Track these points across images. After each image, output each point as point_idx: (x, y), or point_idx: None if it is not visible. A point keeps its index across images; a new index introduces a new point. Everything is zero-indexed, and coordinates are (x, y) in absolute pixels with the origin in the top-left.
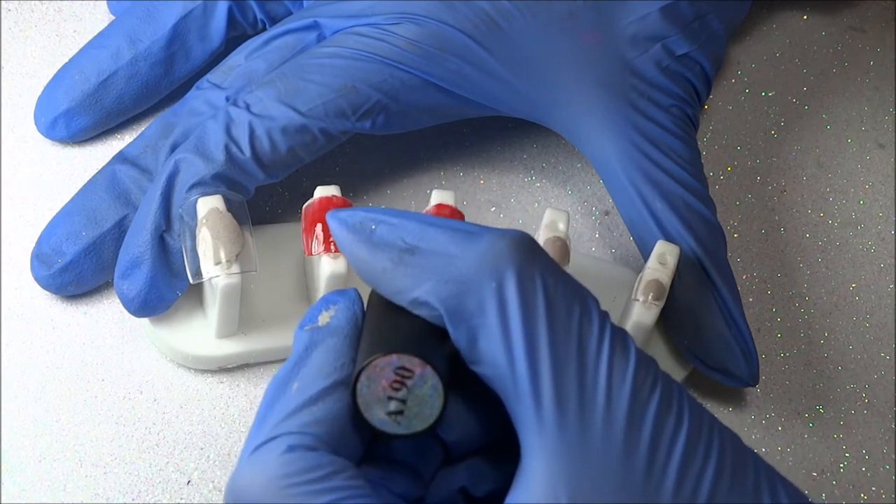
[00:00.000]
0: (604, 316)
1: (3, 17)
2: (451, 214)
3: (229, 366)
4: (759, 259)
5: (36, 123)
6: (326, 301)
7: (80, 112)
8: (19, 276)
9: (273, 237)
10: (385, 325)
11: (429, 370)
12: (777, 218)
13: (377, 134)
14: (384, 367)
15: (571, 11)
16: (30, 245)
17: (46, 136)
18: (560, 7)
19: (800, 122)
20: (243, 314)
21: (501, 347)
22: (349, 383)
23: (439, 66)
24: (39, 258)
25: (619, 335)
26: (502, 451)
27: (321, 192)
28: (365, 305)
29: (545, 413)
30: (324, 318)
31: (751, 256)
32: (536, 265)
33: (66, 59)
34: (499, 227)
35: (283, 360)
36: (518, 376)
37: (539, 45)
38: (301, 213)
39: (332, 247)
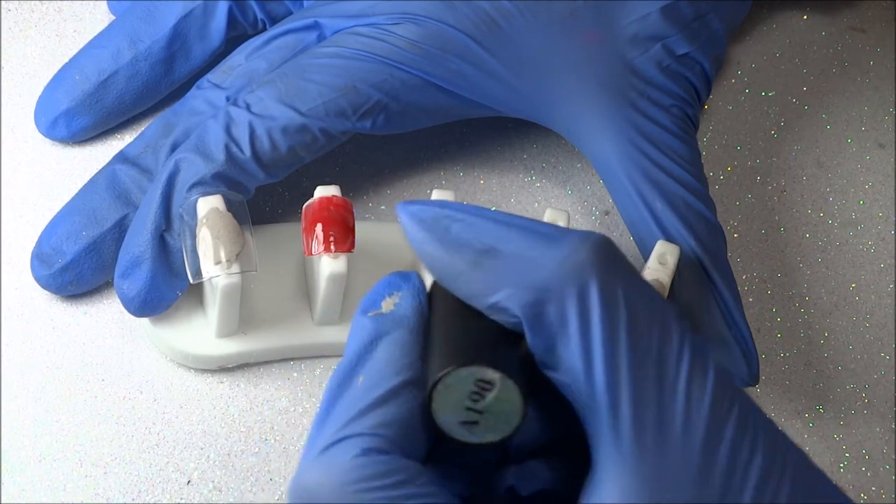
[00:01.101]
0: (683, 331)
1: (3, 17)
2: None
3: (229, 366)
4: (759, 259)
5: (36, 123)
6: (389, 285)
7: (80, 112)
8: (19, 276)
9: (273, 237)
10: (459, 327)
11: (510, 384)
12: (777, 218)
13: (377, 134)
14: (464, 378)
15: (572, 11)
16: (30, 245)
17: (47, 136)
18: (560, 7)
19: (800, 122)
20: (243, 314)
21: (581, 358)
22: (419, 384)
23: (440, 67)
24: (39, 258)
25: (699, 352)
26: (553, 452)
27: (321, 192)
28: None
29: (623, 430)
30: (387, 305)
31: (751, 256)
32: (619, 275)
33: (66, 59)
34: None
35: (283, 360)
36: (597, 389)
37: (539, 45)
38: (301, 213)
39: (332, 247)
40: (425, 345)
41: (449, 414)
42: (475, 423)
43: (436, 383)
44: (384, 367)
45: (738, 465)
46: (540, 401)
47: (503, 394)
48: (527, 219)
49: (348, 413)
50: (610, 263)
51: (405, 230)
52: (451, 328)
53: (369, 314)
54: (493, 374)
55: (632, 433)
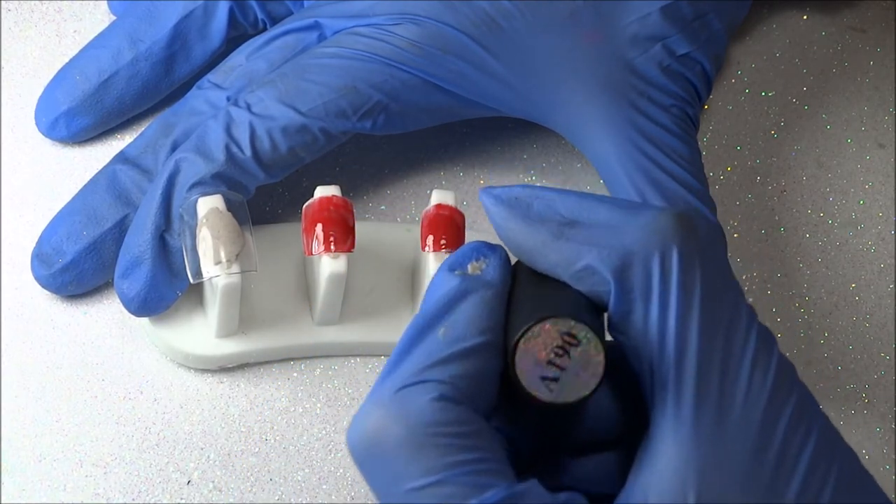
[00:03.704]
0: (752, 312)
1: (3, 17)
2: (451, 214)
3: (229, 366)
4: (759, 259)
5: (36, 123)
6: (477, 250)
7: (80, 112)
8: (19, 276)
9: (273, 237)
10: (545, 292)
11: (597, 342)
12: (777, 218)
13: (377, 134)
14: (552, 330)
15: (572, 11)
16: (30, 245)
17: (47, 136)
18: (560, 7)
19: (800, 122)
20: (243, 314)
21: (656, 322)
22: (499, 348)
23: (440, 67)
24: (40, 258)
25: (765, 335)
26: (589, 453)
27: (321, 192)
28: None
29: (685, 395)
30: (474, 269)
31: (751, 256)
32: (696, 245)
33: (67, 59)
34: None
35: (283, 360)
36: (666, 353)
37: (539, 45)
38: (301, 213)
39: (332, 247)
40: (507, 313)
41: (532, 366)
42: (555, 379)
43: (525, 331)
44: (467, 325)
45: (791, 451)
46: (604, 400)
47: (588, 351)
48: (605, 196)
49: (427, 360)
50: (690, 234)
51: (488, 212)
52: (538, 293)
53: (456, 272)
54: (582, 330)
55: (693, 400)
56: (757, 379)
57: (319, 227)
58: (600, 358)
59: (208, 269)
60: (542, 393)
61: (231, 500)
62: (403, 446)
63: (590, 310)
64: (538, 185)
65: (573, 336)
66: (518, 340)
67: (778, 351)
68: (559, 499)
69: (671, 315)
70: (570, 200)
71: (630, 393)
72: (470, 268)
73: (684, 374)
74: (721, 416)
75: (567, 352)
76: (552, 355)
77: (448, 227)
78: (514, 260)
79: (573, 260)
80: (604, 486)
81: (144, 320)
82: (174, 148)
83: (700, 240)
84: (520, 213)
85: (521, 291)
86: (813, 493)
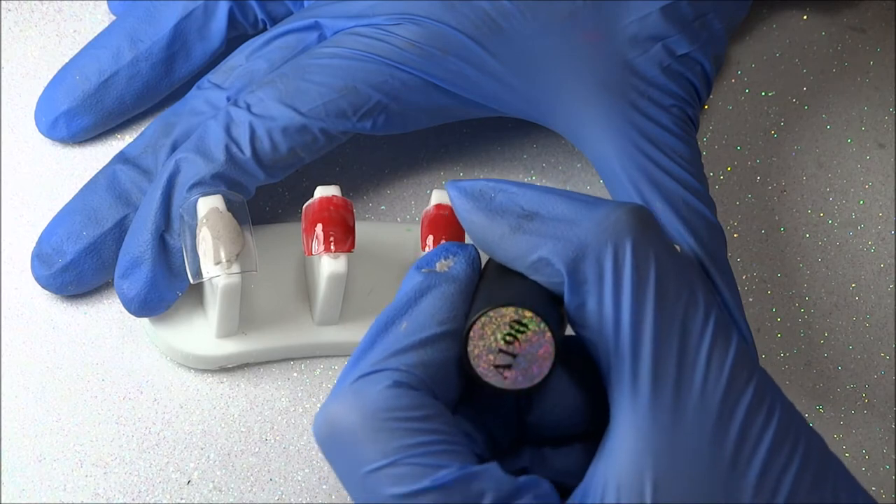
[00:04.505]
0: (710, 302)
1: (3, 17)
2: (451, 214)
3: (229, 366)
4: (759, 259)
5: (37, 123)
6: (447, 250)
7: (80, 112)
8: (19, 276)
9: (273, 237)
10: (502, 283)
11: (544, 327)
12: (777, 218)
13: (377, 134)
14: (501, 318)
15: (572, 11)
16: (30, 245)
17: (47, 136)
18: (560, 7)
19: (800, 122)
20: (243, 314)
21: (611, 312)
22: (460, 334)
23: (440, 67)
24: (40, 258)
25: (723, 323)
26: (569, 445)
27: (321, 192)
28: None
29: (641, 384)
30: (442, 266)
31: (751, 256)
32: (651, 238)
33: (67, 59)
34: None
35: (283, 360)
36: (621, 343)
37: (539, 45)
38: (301, 213)
39: (332, 247)
40: (471, 305)
41: (483, 355)
42: (508, 366)
43: (473, 323)
44: (427, 317)
45: (751, 436)
46: (568, 389)
47: (536, 337)
48: (567, 190)
49: (385, 352)
50: (645, 227)
51: (453, 204)
52: (498, 286)
53: (422, 270)
54: (528, 316)
55: (649, 390)
56: (714, 367)
57: (319, 227)
58: (550, 344)
59: (208, 269)
60: (496, 381)
61: (231, 500)
62: (359, 432)
63: (548, 301)
64: (504, 179)
65: (521, 323)
66: (468, 330)
67: (737, 339)
68: (518, 481)
69: (625, 306)
70: (531, 194)
71: (600, 384)
72: (438, 266)
73: (639, 364)
74: (677, 405)
75: (517, 338)
76: (502, 343)
77: (448, 227)
78: (486, 258)
79: (528, 252)
80: (579, 478)
81: (144, 320)
82: (174, 148)
83: (655, 233)
84: (482, 206)
85: (484, 285)
86: (774, 477)
